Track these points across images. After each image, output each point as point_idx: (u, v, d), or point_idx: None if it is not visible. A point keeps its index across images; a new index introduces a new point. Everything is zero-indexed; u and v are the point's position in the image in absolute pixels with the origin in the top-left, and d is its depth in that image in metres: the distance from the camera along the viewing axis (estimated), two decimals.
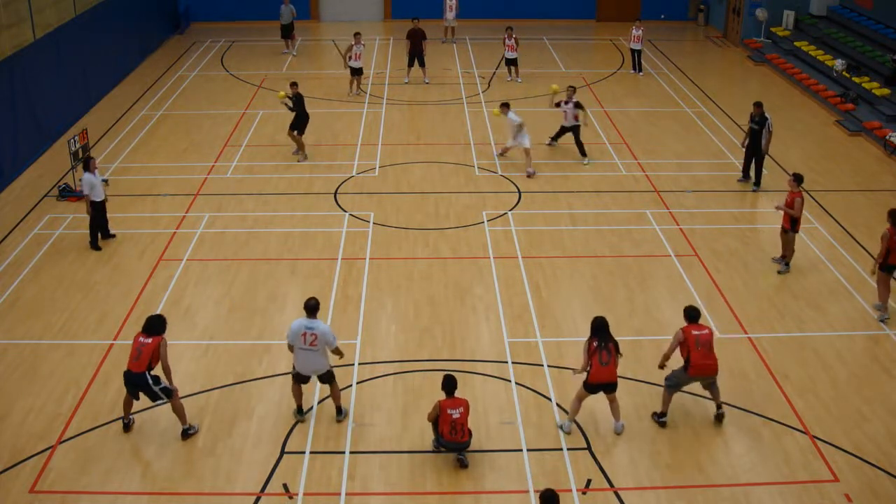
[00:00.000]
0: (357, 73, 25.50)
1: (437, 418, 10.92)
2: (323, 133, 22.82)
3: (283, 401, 12.23)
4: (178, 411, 11.51)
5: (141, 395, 11.40)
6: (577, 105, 20.50)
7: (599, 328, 11.34)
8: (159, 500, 10.57)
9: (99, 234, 16.65)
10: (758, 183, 19.24)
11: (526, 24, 33.51)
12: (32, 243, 16.82)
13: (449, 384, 10.96)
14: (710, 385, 11.70)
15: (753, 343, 13.64)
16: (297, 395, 11.83)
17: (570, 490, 10.66)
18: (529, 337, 13.81)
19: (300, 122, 20.62)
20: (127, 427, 11.65)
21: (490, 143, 21.93)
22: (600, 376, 11.28)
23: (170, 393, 11.38)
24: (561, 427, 11.67)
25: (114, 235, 16.91)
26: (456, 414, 10.84)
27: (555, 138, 21.49)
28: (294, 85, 20.78)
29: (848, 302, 14.87)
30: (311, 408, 12.05)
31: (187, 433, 11.55)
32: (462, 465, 11.03)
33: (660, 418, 11.81)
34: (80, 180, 16.61)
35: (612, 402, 11.61)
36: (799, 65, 28.23)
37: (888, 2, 27.08)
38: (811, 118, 24.37)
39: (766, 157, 19.54)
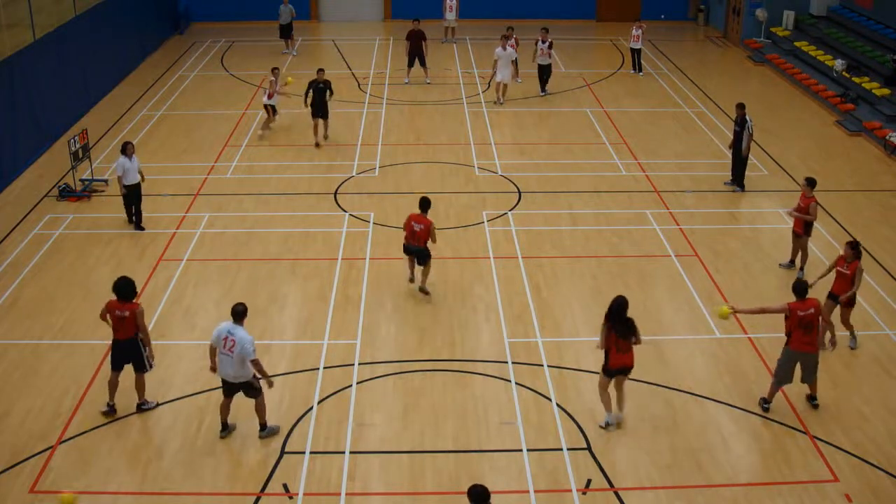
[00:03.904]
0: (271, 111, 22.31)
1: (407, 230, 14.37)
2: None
3: (284, 401, 12.23)
4: (140, 386, 11.86)
5: (122, 375, 11.84)
6: (551, 45, 25.17)
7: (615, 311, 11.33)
8: (159, 500, 10.57)
9: (133, 211, 17.33)
10: (741, 185, 19.11)
11: (526, 24, 33.47)
12: (32, 243, 16.82)
13: (424, 203, 14.46)
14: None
15: (753, 343, 13.64)
16: (224, 409, 11.47)
17: (571, 490, 10.67)
18: (529, 337, 13.81)
19: (322, 109, 21.40)
20: (111, 411, 11.85)
21: (490, 144, 21.94)
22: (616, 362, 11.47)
23: (149, 365, 11.78)
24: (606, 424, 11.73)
25: (143, 229, 17.33)
26: (418, 228, 14.30)
27: (543, 86, 25.70)
28: (321, 71, 21.70)
29: None
30: (311, 407, 12.04)
31: (141, 408, 11.91)
32: (424, 293, 14.57)
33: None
34: (115, 164, 17.37)
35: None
36: (799, 65, 28.23)
37: (888, 2, 27.07)
38: (811, 118, 24.37)
39: (768, 158, 19.50)
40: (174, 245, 16.75)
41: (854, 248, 13.06)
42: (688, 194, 19.02)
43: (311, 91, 21.32)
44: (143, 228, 17.32)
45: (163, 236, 17.09)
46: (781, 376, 11.95)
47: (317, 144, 21.60)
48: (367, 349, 13.51)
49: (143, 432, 11.67)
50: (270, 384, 11.41)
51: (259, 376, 11.29)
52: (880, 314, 14.49)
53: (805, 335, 11.62)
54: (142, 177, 17.25)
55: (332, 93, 21.73)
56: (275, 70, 22.37)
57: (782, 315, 11.76)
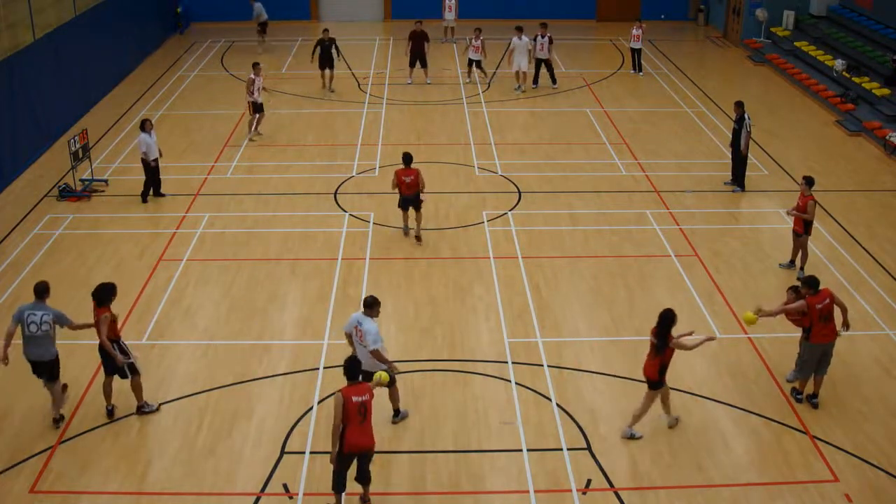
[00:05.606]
0: (258, 109, 22.02)
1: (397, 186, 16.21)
2: (323, 133, 22.86)
3: (283, 401, 12.23)
4: (137, 388, 11.84)
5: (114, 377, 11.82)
6: (551, 40, 26.04)
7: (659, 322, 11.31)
8: (159, 500, 10.57)
9: (151, 191, 18.51)
10: (741, 185, 19.11)
11: (526, 24, 33.44)
12: (32, 243, 16.82)
13: (407, 158, 16.30)
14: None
15: (753, 343, 13.65)
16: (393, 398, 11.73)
17: (571, 490, 10.67)
18: (529, 337, 13.81)
19: (329, 61, 25.39)
20: (110, 413, 11.85)
21: (490, 144, 21.94)
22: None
23: (135, 370, 11.75)
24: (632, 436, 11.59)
25: (164, 195, 18.65)
26: (408, 179, 16.19)
27: (535, 80, 26.66)
28: (326, 31, 25.75)
29: (848, 302, 14.82)
30: (311, 407, 12.04)
31: (142, 411, 11.88)
32: (419, 240, 16.54)
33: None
34: (137, 140, 18.64)
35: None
36: (799, 65, 28.23)
37: (888, 2, 27.07)
38: (811, 118, 24.37)
39: (768, 158, 19.47)
40: (174, 245, 16.75)
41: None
42: (688, 194, 19.02)
43: (318, 48, 25.21)
44: (162, 195, 18.64)
45: (163, 236, 17.09)
46: (808, 371, 12.11)
47: (324, 86, 25.84)
48: None
49: (142, 432, 11.67)
50: (395, 370, 11.34)
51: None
52: (880, 314, 14.49)
53: (825, 326, 11.85)
54: (160, 152, 18.49)
55: (338, 50, 25.45)
56: (256, 66, 22.17)
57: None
